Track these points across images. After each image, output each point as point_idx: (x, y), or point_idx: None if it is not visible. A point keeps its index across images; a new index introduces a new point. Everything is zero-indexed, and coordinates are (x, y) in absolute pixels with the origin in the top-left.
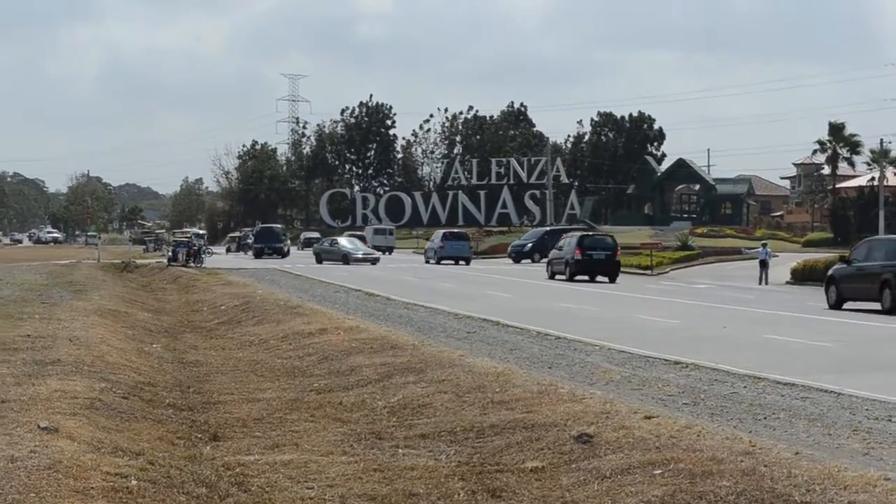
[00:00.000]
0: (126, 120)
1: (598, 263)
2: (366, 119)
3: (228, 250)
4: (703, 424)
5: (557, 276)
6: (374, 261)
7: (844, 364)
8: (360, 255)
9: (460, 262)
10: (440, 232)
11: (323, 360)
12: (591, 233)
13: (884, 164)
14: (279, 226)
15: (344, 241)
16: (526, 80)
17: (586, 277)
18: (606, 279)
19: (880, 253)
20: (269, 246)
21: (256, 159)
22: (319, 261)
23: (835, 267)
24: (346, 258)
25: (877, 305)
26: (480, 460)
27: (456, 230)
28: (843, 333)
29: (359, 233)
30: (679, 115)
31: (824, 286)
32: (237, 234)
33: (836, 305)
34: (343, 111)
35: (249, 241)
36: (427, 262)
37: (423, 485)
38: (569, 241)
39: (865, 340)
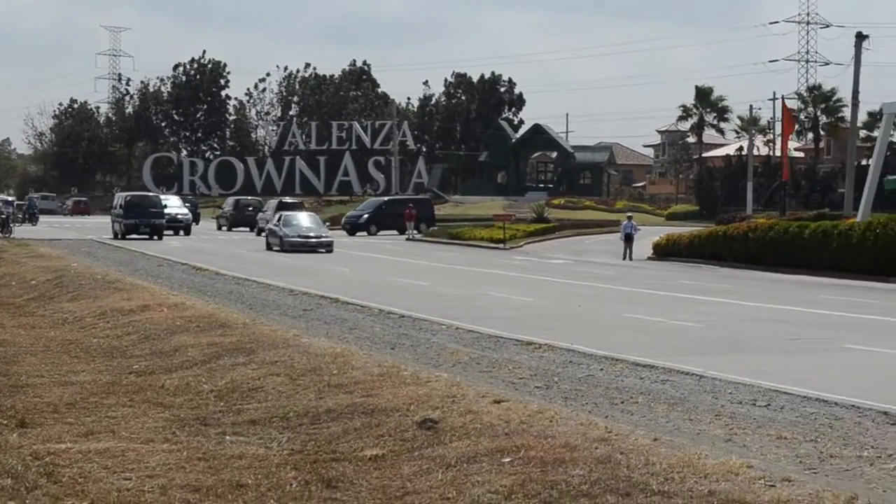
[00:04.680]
0: None
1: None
2: (196, 77)
3: None
4: (556, 409)
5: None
6: (329, 246)
7: (708, 345)
8: (313, 239)
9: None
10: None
11: (144, 340)
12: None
13: (753, 132)
14: (154, 194)
15: (292, 218)
16: (373, 39)
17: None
18: None
19: None
20: (143, 221)
21: (74, 119)
22: (269, 246)
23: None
24: (282, 242)
25: None
26: (315, 448)
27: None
28: (707, 313)
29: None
30: (536, 78)
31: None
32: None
33: None
34: (175, 67)
35: (35, 211)
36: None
37: (252, 475)
38: None
39: (729, 320)
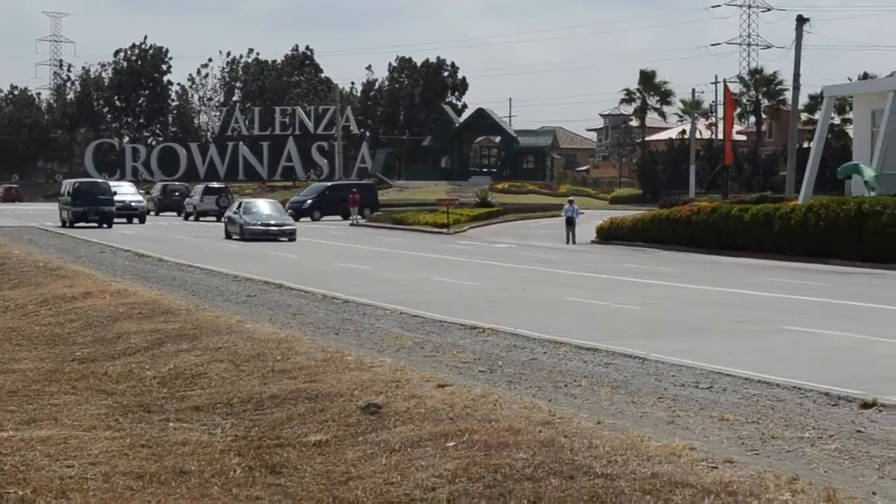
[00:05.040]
0: None
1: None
2: (137, 63)
3: None
4: (500, 393)
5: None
6: (291, 234)
7: (652, 328)
8: (274, 227)
9: None
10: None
11: (87, 327)
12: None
13: (695, 115)
14: (103, 180)
15: (252, 205)
16: (317, 24)
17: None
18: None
19: None
20: (92, 209)
21: (15, 106)
22: (228, 235)
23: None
24: (242, 230)
25: None
26: (259, 434)
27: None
28: (651, 296)
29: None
30: (480, 62)
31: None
32: None
33: None
34: (116, 53)
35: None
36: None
37: (196, 461)
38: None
39: (673, 303)
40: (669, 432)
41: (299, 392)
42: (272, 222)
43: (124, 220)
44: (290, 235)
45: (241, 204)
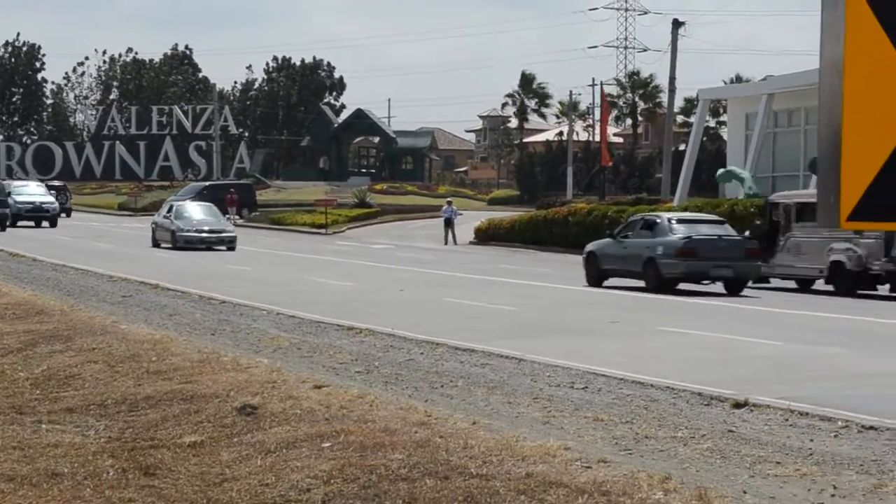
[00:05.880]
0: None
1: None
2: (10, 61)
3: None
4: (377, 394)
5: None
6: (231, 242)
7: (528, 328)
8: (210, 234)
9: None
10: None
11: None
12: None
13: (573, 117)
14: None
15: (184, 209)
16: (196, 23)
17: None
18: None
19: None
20: None
21: None
22: (156, 243)
23: None
24: (174, 237)
25: None
26: (133, 435)
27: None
28: (527, 297)
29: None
30: (359, 62)
31: None
32: None
33: None
34: None
35: None
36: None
37: (69, 463)
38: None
39: (549, 303)
40: (545, 432)
41: (174, 393)
42: (207, 228)
43: (32, 223)
44: (230, 244)
45: (171, 207)
